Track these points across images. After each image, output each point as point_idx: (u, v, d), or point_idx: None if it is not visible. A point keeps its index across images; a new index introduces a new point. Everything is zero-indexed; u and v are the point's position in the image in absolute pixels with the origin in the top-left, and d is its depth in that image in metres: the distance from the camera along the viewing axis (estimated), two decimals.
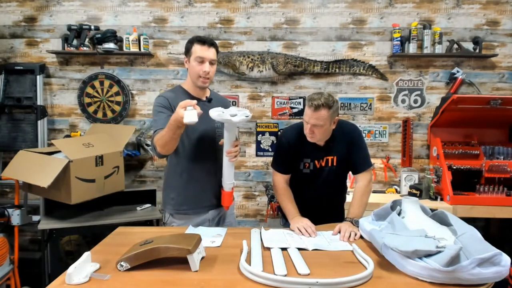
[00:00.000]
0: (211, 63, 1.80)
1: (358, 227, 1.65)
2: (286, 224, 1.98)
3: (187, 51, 1.83)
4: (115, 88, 3.18)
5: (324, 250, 1.46)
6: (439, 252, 1.16)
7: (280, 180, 1.92)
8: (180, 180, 1.87)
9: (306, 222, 1.70)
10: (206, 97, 1.91)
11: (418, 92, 3.19)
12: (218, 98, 2.00)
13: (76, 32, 3.06)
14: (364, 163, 1.91)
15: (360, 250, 1.38)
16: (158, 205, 3.05)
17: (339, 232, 1.64)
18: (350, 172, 2.00)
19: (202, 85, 1.83)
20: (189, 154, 1.82)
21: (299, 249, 1.43)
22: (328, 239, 1.60)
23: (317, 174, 1.91)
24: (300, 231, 1.66)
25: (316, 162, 1.90)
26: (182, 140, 1.77)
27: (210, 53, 1.79)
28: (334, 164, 1.89)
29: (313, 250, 1.45)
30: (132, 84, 3.24)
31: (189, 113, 1.49)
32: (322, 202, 1.94)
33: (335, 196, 2.03)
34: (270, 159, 3.28)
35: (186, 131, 1.75)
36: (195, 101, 1.54)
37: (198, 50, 1.78)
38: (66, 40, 3.07)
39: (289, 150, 1.90)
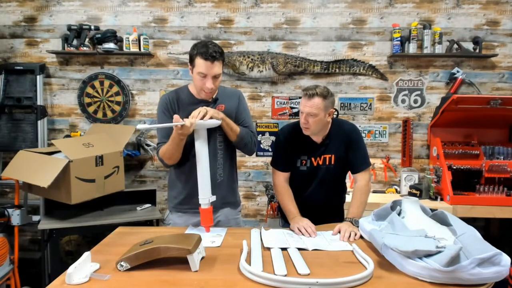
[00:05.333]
0: (215, 77, 1.72)
1: (358, 227, 1.65)
2: (285, 225, 1.98)
3: (191, 60, 1.74)
4: (115, 88, 3.18)
5: (324, 250, 1.46)
6: (439, 252, 1.16)
7: (280, 179, 1.93)
8: (180, 179, 1.89)
9: (306, 222, 1.70)
10: (212, 98, 1.86)
11: (418, 92, 3.19)
12: (226, 92, 1.94)
13: (76, 32, 3.06)
14: (363, 162, 1.91)
15: (360, 250, 1.38)
16: (158, 205, 3.05)
17: (339, 232, 1.64)
18: (350, 173, 2.00)
19: (205, 98, 1.79)
20: (189, 155, 1.82)
21: (299, 249, 1.43)
22: (328, 239, 1.60)
23: (314, 172, 1.91)
24: (300, 231, 1.66)
25: (312, 159, 1.90)
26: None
27: (214, 69, 1.68)
28: (332, 163, 1.89)
29: (313, 250, 1.45)
30: (132, 84, 3.24)
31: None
32: (320, 201, 1.94)
33: (334, 196, 2.02)
34: (270, 159, 3.29)
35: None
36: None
37: (201, 65, 1.67)
38: (66, 40, 3.07)
39: (286, 146, 1.91)
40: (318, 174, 1.91)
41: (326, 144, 1.89)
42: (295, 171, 1.93)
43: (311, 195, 1.93)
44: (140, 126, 1.57)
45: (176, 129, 1.61)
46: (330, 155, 1.89)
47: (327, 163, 1.90)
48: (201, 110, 1.64)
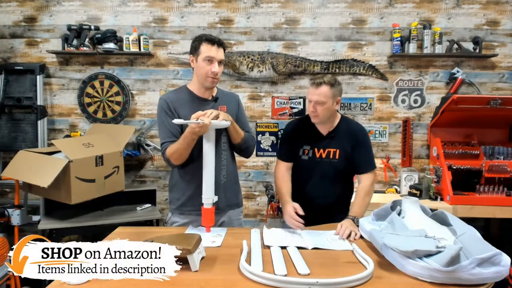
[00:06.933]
0: (219, 63, 1.78)
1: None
2: (285, 224, 1.98)
3: (195, 50, 1.78)
4: (115, 88, 3.18)
5: (324, 248, 1.46)
6: (439, 252, 1.16)
7: (282, 168, 1.96)
8: (185, 180, 1.87)
9: (290, 212, 1.71)
10: (212, 96, 1.87)
11: (418, 92, 3.19)
12: (225, 94, 1.96)
13: (76, 32, 3.06)
14: (368, 164, 1.91)
15: (360, 250, 1.38)
16: (158, 205, 3.06)
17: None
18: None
19: (210, 85, 1.82)
20: (193, 156, 1.80)
21: (299, 247, 1.44)
22: (330, 238, 1.60)
23: (315, 164, 1.91)
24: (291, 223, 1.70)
25: (316, 150, 1.91)
26: None
27: (219, 53, 1.77)
28: (336, 157, 1.89)
29: (312, 248, 1.45)
30: (132, 84, 3.24)
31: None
32: (322, 198, 1.91)
33: (337, 195, 1.96)
34: (270, 159, 3.31)
35: None
36: (204, 112, 1.61)
37: (208, 50, 1.74)
38: (66, 40, 3.07)
39: (291, 135, 1.96)
40: (319, 166, 1.91)
41: (331, 137, 1.90)
42: (297, 161, 1.95)
43: (312, 189, 1.92)
44: (176, 121, 1.63)
45: (192, 128, 1.60)
46: (334, 149, 1.90)
47: (330, 156, 1.90)
48: (213, 111, 1.65)
